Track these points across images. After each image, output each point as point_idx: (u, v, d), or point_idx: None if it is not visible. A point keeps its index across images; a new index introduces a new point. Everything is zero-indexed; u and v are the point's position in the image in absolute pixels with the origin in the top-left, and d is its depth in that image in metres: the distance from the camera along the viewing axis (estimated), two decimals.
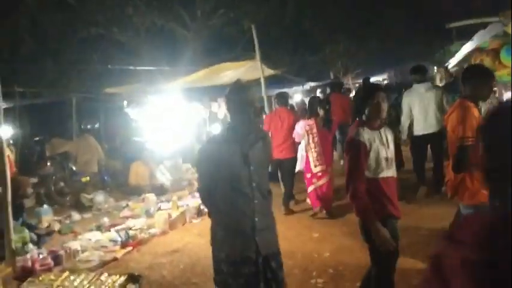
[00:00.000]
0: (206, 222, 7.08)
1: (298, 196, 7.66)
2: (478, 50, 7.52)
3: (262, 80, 8.19)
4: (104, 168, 9.98)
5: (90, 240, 5.85)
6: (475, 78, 3.59)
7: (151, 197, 6.56)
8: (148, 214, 6.39)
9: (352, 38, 17.30)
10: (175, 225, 6.35)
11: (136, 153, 9.54)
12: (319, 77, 17.56)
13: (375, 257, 3.27)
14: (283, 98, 7.57)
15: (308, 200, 6.93)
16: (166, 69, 11.10)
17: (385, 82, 21.40)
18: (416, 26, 18.15)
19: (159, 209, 7.23)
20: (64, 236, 6.38)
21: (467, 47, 11.49)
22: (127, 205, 7.86)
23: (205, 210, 7.35)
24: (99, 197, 8.19)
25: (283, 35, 14.26)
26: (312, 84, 15.06)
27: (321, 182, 6.43)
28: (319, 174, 6.41)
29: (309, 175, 6.51)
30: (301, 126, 6.94)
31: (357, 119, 3.28)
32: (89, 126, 10.33)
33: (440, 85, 14.59)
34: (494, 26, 10.11)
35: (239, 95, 2.79)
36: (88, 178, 9.35)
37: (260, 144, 2.88)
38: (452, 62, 13.05)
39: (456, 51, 17.48)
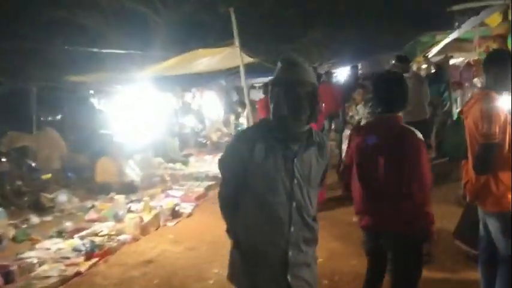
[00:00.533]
0: (183, 225, 6.50)
1: None
2: (482, 37, 7.29)
3: (241, 69, 7.55)
4: (67, 164, 9.13)
5: (50, 250, 5.12)
6: (497, 67, 3.08)
7: (120, 199, 5.83)
8: (117, 218, 5.68)
9: (328, 26, 16.97)
10: (147, 230, 5.69)
11: (104, 147, 8.74)
12: None
13: None
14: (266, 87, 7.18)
15: None
16: (136, 57, 10.30)
17: (360, 72, 21.33)
18: (389, 16, 18.12)
19: (129, 210, 6.53)
20: (19, 244, 5.60)
21: (450, 37, 11.26)
22: (93, 206, 7.11)
23: (183, 211, 6.76)
24: (62, 197, 7.40)
25: (260, 22, 13.60)
26: None
27: None
28: None
29: None
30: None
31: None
32: (50, 118, 9.43)
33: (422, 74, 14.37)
34: (480, 16, 9.84)
35: (291, 75, 2.01)
36: (49, 175, 8.51)
37: (314, 150, 2.15)
38: (433, 52, 12.76)
39: (427, 42, 17.44)
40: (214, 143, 13.48)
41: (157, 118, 10.94)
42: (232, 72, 10.47)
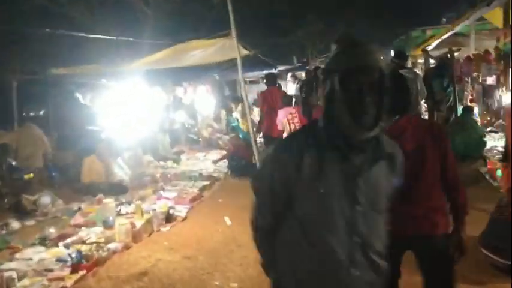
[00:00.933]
0: (178, 230, 5.91)
1: None
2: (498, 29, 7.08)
3: (239, 61, 7.08)
4: (51, 162, 8.56)
5: (31, 261, 4.60)
6: None
7: (109, 204, 5.31)
8: (107, 224, 5.17)
9: (322, 20, 16.66)
10: (140, 236, 5.19)
11: (90, 145, 8.18)
12: (285, 61, 16.69)
13: None
14: (273, 78, 7.93)
15: None
16: (124, 51, 9.73)
17: None
18: (379, 11, 18.01)
19: (119, 213, 6.03)
20: None
21: (450, 31, 11.00)
22: (79, 209, 6.58)
23: (178, 215, 6.29)
24: (45, 199, 6.84)
25: (253, 14, 13.11)
26: (283, 68, 14.02)
27: None
28: None
29: None
30: (283, 114, 6.95)
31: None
32: (32, 114, 8.83)
33: (416, 70, 14.05)
34: (480, 11, 9.56)
35: (352, 60, 1.49)
36: (31, 175, 7.94)
37: (383, 164, 1.62)
38: (432, 45, 12.46)
39: (418, 37, 17.23)
40: (206, 140, 12.99)
41: (147, 113, 10.40)
42: (227, 65, 9.98)
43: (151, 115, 10.66)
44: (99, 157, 7.69)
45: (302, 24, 15.69)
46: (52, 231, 5.39)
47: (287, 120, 6.29)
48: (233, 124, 9.89)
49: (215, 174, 8.57)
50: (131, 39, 8.57)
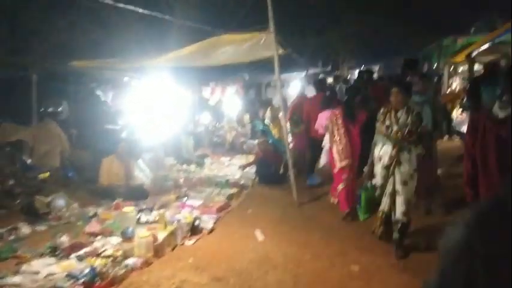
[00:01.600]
0: (204, 245, 4.96)
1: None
2: None
3: (276, 60, 6.43)
4: (68, 161, 8.04)
5: (38, 275, 4.00)
6: None
7: (129, 212, 4.65)
8: (126, 235, 4.54)
9: (350, 25, 15.97)
10: (162, 251, 4.56)
11: (110, 145, 7.61)
12: (311, 64, 16.02)
13: None
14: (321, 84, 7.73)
15: (333, 200, 6.55)
16: (147, 44, 9.15)
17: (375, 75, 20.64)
18: (409, 19, 17.39)
19: (138, 222, 5.42)
20: (2, 262, 4.49)
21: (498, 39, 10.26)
22: (95, 214, 6.00)
23: (204, 226, 5.64)
24: (59, 201, 6.28)
25: (282, 9, 12.43)
26: (312, 71, 13.29)
27: (349, 179, 5.93)
28: (346, 169, 5.91)
29: (336, 170, 6.04)
30: (326, 116, 6.55)
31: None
32: (51, 110, 8.32)
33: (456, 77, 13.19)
34: None
35: None
36: (47, 174, 7.43)
37: None
38: (476, 52, 11.60)
39: (447, 46, 16.32)
40: (230, 144, 12.37)
41: (171, 113, 9.81)
42: (258, 65, 9.32)
43: (175, 115, 10.08)
44: (118, 158, 7.10)
45: (335, 25, 14.98)
46: (64, 239, 4.80)
47: (330, 121, 6.03)
48: (261, 128, 9.23)
49: (242, 181, 7.91)
50: (166, 16, 7.78)
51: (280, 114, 9.82)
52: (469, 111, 8.62)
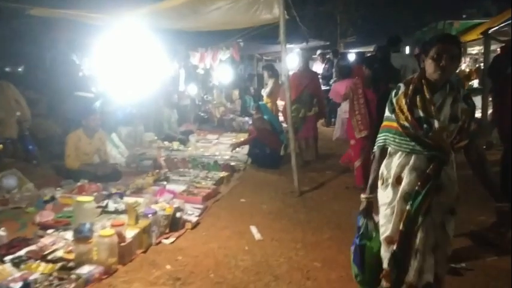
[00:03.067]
0: (187, 245, 3.58)
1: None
2: None
3: (281, 24, 5.31)
4: (29, 132, 6.81)
5: None
6: None
7: (86, 203, 3.44)
8: (80, 234, 3.38)
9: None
10: (130, 254, 3.45)
11: (80, 115, 6.36)
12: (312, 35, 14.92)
13: None
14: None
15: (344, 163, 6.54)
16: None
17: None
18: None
19: (104, 210, 4.31)
20: None
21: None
22: (53, 198, 4.86)
23: (187, 218, 4.53)
24: (9, 180, 5.13)
25: None
26: (313, 43, 12.14)
27: (367, 153, 5.51)
28: (364, 141, 5.65)
29: (353, 142, 5.88)
30: (345, 85, 6.36)
31: None
32: (7, 69, 7.02)
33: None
34: None
35: None
36: (1, 146, 6.23)
37: None
38: (492, 30, 10.53)
39: (441, 30, 15.51)
40: (218, 120, 11.24)
41: (153, 82, 8.61)
42: (253, 30, 8.14)
43: (157, 85, 8.88)
44: (87, 132, 5.92)
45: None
46: (2, 233, 3.66)
47: (350, 90, 5.77)
48: (258, 103, 8.10)
49: (233, 163, 6.81)
50: None
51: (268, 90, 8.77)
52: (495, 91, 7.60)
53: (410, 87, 2.35)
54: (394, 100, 2.40)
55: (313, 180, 6.25)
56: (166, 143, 8.16)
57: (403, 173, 2.36)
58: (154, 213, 3.91)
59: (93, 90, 8.38)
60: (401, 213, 2.34)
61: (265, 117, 7.39)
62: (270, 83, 8.36)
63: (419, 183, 2.29)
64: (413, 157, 2.33)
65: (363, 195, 2.62)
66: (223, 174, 6.06)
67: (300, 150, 7.07)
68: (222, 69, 11.69)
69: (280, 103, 9.56)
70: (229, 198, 5.37)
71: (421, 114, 2.28)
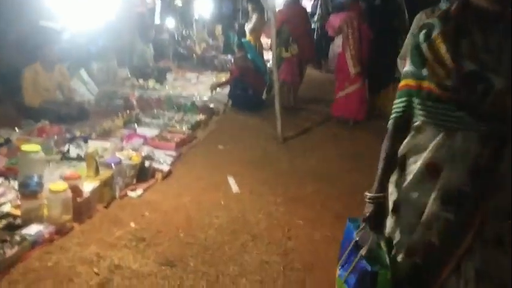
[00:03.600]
0: (156, 198, 2.98)
1: None
2: None
3: None
4: None
5: None
6: None
7: (31, 153, 2.91)
8: (27, 188, 2.89)
9: None
10: (88, 211, 3.03)
11: (43, 47, 5.68)
12: None
13: None
14: None
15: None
16: None
17: None
18: None
19: (65, 156, 3.85)
20: None
21: None
22: (8, 140, 4.35)
23: (157, 167, 4.08)
24: None
25: None
26: None
27: (353, 88, 5.88)
28: (354, 77, 5.79)
29: (341, 76, 5.96)
30: (340, 18, 6.16)
31: None
32: None
33: None
34: None
35: None
36: None
37: None
38: None
39: None
40: (198, 58, 10.55)
41: (128, 14, 7.85)
42: None
43: (132, 17, 8.12)
44: (44, 65, 5.31)
45: None
46: None
47: (345, 23, 5.65)
48: (241, 40, 7.47)
49: (212, 105, 6.31)
50: None
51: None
52: None
53: (451, 24, 1.51)
54: (424, 45, 1.54)
55: (297, 126, 5.83)
56: (141, 81, 7.55)
57: (441, 161, 1.55)
58: (119, 162, 3.46)
59: (61, 21, 7.59)
60: (435, 221, 1.57)
61: (249, 55, 6.81)
62: (253, 17, 7.68)
63: (469, 178, 1.50)
64: (458, 136, 1.50)
65: (368, 194, 1.74)
66: (200, 117, 5.58)
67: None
68: (204, 2, 10.83)
69: (266, 41, 8.93)
70: (206, 145, 4.93)
71: (473, 66, 1.46)
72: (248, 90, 6.48)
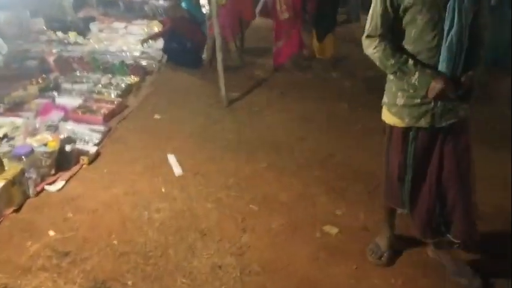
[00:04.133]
0: (81, 191, 2.78)
1: None
2: None
3: None
4: None
5: None
6: None
7: None
8: None
9: None
10: None
11: None
12: None
13: None
14: None
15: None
16: None
17: None
18: None
19: None
20: None
21: None
22: None
23: (82, 149, 3.37)
24: None
25: None
26: None
27: (289, 35, 5.61)
28: (287, 23, 5.53)
29: (276, 23, 5.59)
30: None
31: None
32: None
33: None
34: None
35: None
36: None
37: None
38: None
39: None
40: (126, 3, 9.44)
41: None
42: None
43: None
44: None
45: None
46: None
47: None
48: None
49: (144, 63, 5.57)
50: None
51: None
52: None
53: None
54: None
55: (242, 84, 5.27)
56: (59, 34, 6.56)
57: None
58: (31, 152, 2.81)
59: None
60: None
61: (183, 4, 6.02)
62: None
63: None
64: None
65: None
66: (132, 79, 4.87)
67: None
68: None
69: None
70: (139, 115, 4.28)
71: None
72: (186, 43, 5.75)
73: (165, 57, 5.92)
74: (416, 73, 1.88)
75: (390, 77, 2.06)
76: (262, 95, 5.10)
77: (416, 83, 1.90)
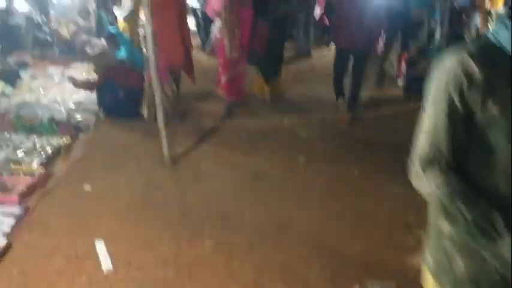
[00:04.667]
0: None
1: None
2: None
3: None
4: None
5: None
6: None
7: None
8: None
9: None
10: None
11: None
12: None
13: None
14: None
15: (219, 92, 5.73)
16: None
17: None
18: None
19: None
20: None
21: None
22: None
23: None
24: None
25: None
26: None
27: (235, 72, 5.55)
28: (234, 61, 5.44)
29: (223, 61, 5.50)
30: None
31: None
32: None
33: None
34: None
35: None
36: None
37: None
38: None
39: None
40: (66, 43, 8.86)
41: None
42: None
43: None
44: None
45: None
46: None
47: (224, 7, 5.20)
48: (110, 30, 6.10)
49: (79, 118, 5.02)
50: None
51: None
52: None
53: None
54: None
55: (188, 137, 4.81)
56: None
57: None
58: None
59: None
60: None
61: (121, 51, 5.53)
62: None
63: None
64: None
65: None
66: (61, 140, 4.30)
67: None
68: None
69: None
70: (67, 186, 3.70)
71: None
72: (117, 93, 5.22)
73: (102, 111, 5.38)
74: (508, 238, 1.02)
75: (445, 226, 1.20)
76: (209, 148, 4.68)
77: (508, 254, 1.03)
